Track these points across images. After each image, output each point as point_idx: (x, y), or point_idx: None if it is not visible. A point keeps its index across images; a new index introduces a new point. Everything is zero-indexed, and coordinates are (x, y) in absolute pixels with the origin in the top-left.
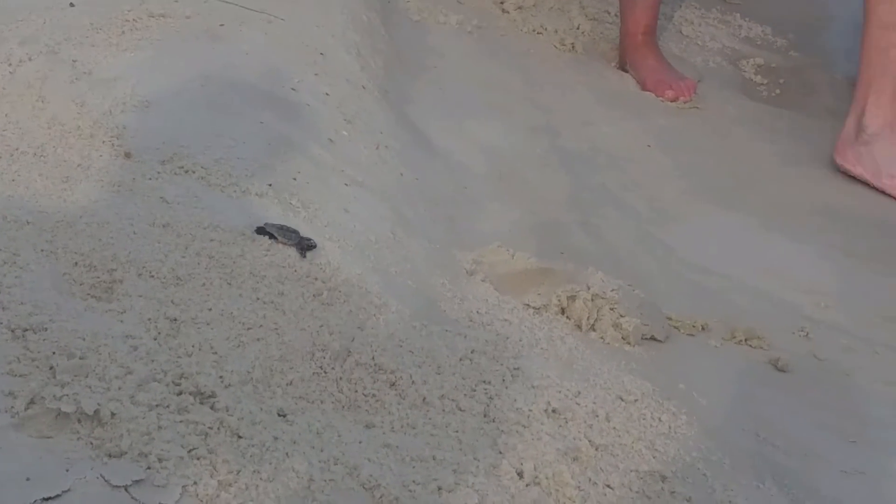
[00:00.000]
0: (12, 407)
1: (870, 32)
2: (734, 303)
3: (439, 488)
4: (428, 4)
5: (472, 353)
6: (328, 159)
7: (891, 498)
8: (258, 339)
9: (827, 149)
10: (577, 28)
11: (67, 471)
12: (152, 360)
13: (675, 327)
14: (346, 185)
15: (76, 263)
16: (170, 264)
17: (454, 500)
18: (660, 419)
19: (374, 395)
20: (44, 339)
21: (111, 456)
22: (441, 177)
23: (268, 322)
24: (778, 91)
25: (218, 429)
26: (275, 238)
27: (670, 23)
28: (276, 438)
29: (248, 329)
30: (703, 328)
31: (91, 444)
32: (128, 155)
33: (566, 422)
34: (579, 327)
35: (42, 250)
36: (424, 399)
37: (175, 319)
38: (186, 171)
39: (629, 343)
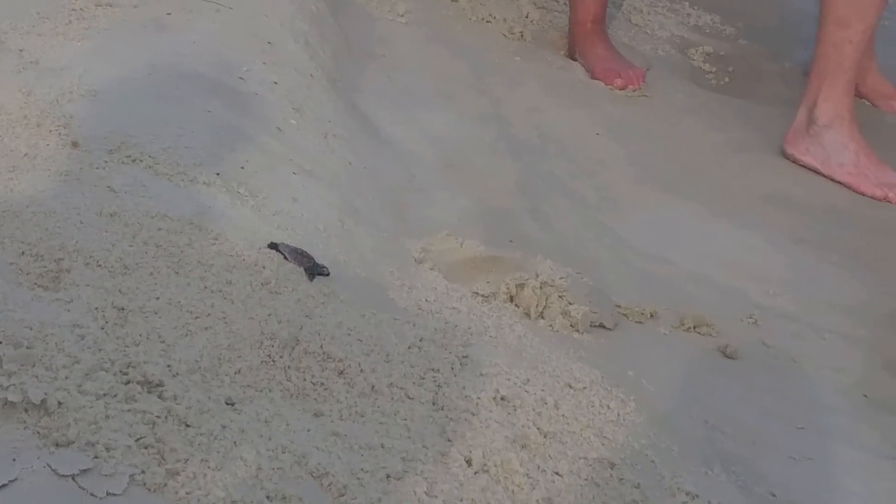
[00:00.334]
0: None
1: (825, 27)
2: (683, 290)
3: (388, 476)
4: None
5: (420, 341)
6: (276, 148)
7: (838, 483)
8: (206, 328)
9: (776, 136)
10: (526, 17)
11: (14, 460)
12: (100, 350)
13: (623, 315)
14: (294, 173)
15: (23, 253)
16: (117, 253)
17: (403, 487)
18: (608, 406)
19: (322, 384)
20: None
21: (58, 445)
22: (390, 165)
23: (216, 311)
24: (726, 79)
25: (166, 418)
26: (285, 258)
27: (619, 11)
28: (224, 427)
29: (196, 318)
30: (651, 316)
31: (38, 433)
32: (75, 144)
33: (515, 409)
34: (528, 315)
35: None
36: (373, 387)
37: (122, 308)
38: (134, 161)
39: (578, 331)
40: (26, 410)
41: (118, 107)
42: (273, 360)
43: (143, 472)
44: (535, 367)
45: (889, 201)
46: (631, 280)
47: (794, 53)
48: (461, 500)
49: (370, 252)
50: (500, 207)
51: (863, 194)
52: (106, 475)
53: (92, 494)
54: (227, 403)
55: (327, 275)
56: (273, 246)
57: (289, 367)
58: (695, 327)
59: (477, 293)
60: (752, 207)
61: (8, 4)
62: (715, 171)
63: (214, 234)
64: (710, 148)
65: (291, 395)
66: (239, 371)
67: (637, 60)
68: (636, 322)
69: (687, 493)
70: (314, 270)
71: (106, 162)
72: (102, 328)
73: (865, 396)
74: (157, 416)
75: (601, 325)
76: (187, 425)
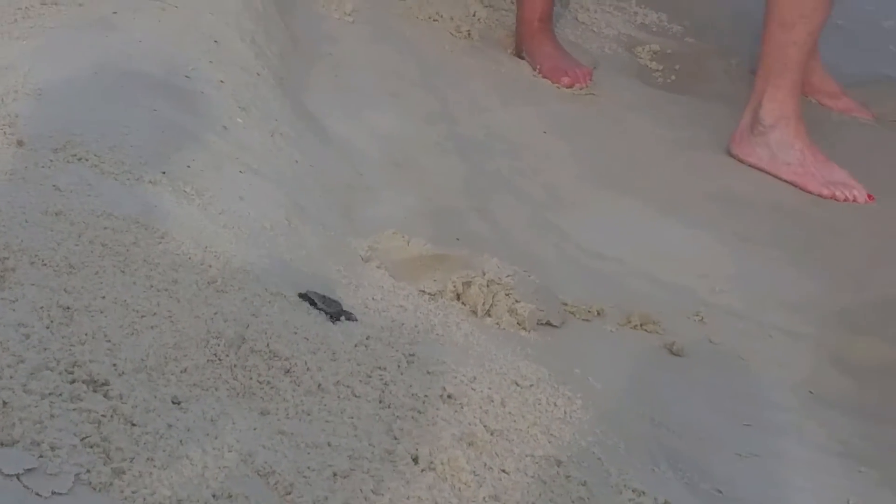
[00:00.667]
0: None
1: (770, 29)
2: (629, 288)
3: (334, 474)
4: None
5: (367, 339)
6: (223, 147)
7: (784, 480)
8: (152, 327)
9: (723, 134)
10: (473, 15)
11: None
12: (45, 349)
13: (570, 313)
14: (240, 172)
15: None
16: (63, 252)
17: (349, 485)
18: (555, 404)
19: (268, 382)
20: None
21: (3, 445)
22: (336, 164)
23: (162, 309)
24: (673, 77)
25: (111, 417)
26: (314, 305)
27: (566, 10)
28: (169, 426)
29: (142, 317)
30: (598, 313)
31: None
32: (20, 143)
33: (461, 407)
34: (475, 313)
35: None
36: (319, 385)
37: (68, 308)
38: (79, 159)
39: (525, 328)
40: None
41: (64, 105)
42: (219, 359)
43: (88, 471)
44: (481, 365)
45: (835, 199)
46: (578, 278)
47: (740, 51)
48: (408, 499)
49: (317, 250)
50: (446, 206)
51: (809, 192)
52: (51, 474)
53: (37, 494)
54: (173, 402)
55: (355, 320)
56: (303, 296)
57: (235, 365)
58: (641, 325)
59: (423, 291)
60: (699, 205)
61: None
62: (662, 169)
63: (160, 233)
64: (657, 146)
65: (238, 394)
66: (185, 370)
67: (584, 59)
68: (583, 320)
69: (633, 491)
70: (339, 316)
71: (51, 161)
72: (48, 327)
73: (811, 393)
74: (103, 416)
75: (548, 323)
76: (133, 424)
